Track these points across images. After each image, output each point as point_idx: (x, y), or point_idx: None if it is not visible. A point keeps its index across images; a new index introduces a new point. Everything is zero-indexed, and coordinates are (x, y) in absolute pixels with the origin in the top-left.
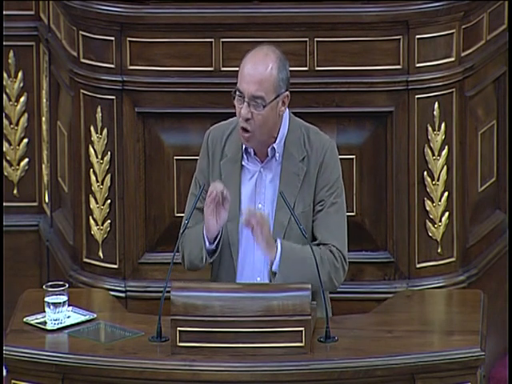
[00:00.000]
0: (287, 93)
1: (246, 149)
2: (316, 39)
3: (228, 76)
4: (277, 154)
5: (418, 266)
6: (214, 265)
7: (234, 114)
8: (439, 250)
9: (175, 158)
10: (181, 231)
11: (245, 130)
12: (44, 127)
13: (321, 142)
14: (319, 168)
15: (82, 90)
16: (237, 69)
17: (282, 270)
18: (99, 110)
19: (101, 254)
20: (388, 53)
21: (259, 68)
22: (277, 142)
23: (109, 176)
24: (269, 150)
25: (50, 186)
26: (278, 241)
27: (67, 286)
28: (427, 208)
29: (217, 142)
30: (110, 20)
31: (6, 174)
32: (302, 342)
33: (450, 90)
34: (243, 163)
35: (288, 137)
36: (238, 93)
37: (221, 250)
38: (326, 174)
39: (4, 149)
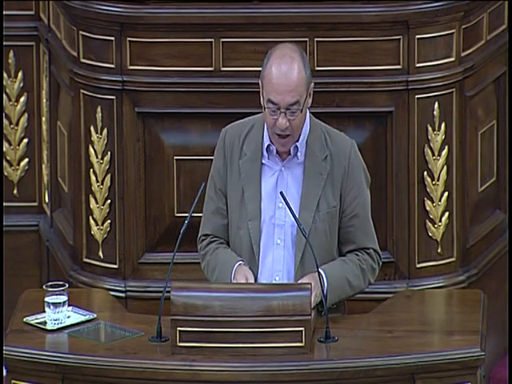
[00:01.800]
0: (312, 83)
1: (268, 146)
2: (316, 39)
3: (228, 76)
4: (298, 153)
5: (418, 265)
6: None
7: (233, 114)
8: (439, 250)
9: (175, 158)
10: (199, 236)
11: (282, 136)
12: (44, 127)
13: (344, 142)
14: (345, 171)
15: (82, 90)
16: (237, 69)
17: (331, 298)
18: (99, 109)
19: (101, 254)
20: (388, 53)
21: (290, 76)
22: (300, 140)
23: (109, 176)
24: (291, 148)
25: (50, 186)
26: (323, 274)
27: (67, 286)
28: (427, 208)
29: (234, 141)
30: (110, 20)
31: (6, 173)
32: (302, 342)
33: (450, 90)
34: (263, 161)
35: (310, 136)
36: (270, 105)
37: (241, 246)
38: (352, 176)
39: (4, 149)
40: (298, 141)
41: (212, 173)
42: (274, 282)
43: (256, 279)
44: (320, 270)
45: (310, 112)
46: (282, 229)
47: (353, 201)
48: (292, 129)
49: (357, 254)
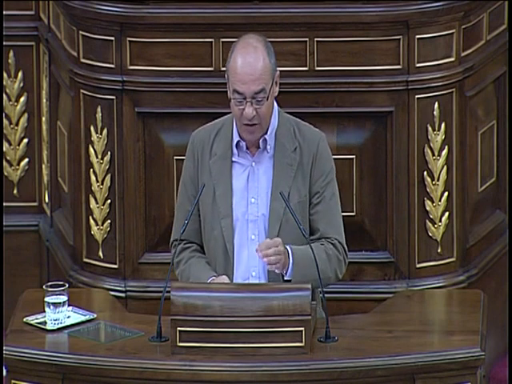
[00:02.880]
0: (278, 71)
1: (237, 143)
2: (316, 39)
3: None
4: (268, 146)
5: (418, 265)
6: (209, 262)
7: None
8: (439, 250)
9: (175, 158)
10: (171, 240)
11: (249, 124)
12: (44, 127)
13: (312, 133)
14: (313, 159)
15: (81, 90)
16: None
17: (295, 276)
18: (99, 109)
19: (101, 254)
20: (388, 53)
21: (255, 65)
22: (268, 133)
23: (109, 176)
24: (260, 141)
25: (49, 186)
26: (289, 250)
27: (67, 285)
28: (427, 208)
29: (204, 143)
30: (110, 20)
31: (6, 173)
32: (302, 342)
33: (450, 90)
34: (234, 159)
35: (278, 129)
36: (236, 95)
37: (215, 246)
38: (320, 165)
39: (4, 149)
40: (266, 133)
41: (183, 178)
42: (250, 277)
43: (232, 275)
44: (287, 246)
45: (309, 111)
46: (255, 224)
47: (319, 189)
48: (259, 117)
49: (322, 244)
